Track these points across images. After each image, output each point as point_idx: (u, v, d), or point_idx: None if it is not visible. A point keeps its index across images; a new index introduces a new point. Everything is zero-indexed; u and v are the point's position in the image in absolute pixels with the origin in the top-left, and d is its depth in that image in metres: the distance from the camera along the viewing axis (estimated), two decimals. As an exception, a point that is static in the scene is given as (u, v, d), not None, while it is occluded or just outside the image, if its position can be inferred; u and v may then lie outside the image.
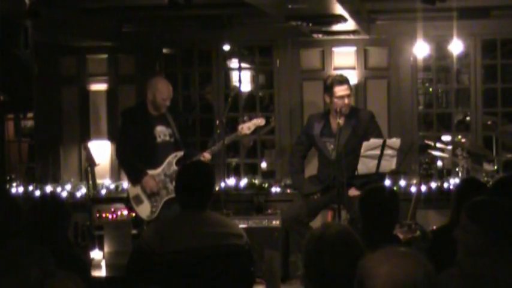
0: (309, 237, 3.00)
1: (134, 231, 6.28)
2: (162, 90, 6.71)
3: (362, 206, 4.29)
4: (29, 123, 8.84)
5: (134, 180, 6.71)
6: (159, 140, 6.76)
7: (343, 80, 6.77)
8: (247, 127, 6.86)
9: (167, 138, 6.78)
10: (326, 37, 7.58)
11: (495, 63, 7.99)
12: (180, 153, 6.74)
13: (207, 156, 6.77)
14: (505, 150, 8.18)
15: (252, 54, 8.62)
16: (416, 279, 2.07)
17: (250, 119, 7.21)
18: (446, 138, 8.04)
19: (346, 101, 6.67)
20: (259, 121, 6.98)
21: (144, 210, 6.67)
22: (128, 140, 6.75)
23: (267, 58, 8.44)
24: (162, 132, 6.78)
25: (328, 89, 6.75)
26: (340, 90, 6.68)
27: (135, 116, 6.81)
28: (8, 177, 8.30)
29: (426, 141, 7.55)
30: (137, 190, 6.69)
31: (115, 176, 8.21)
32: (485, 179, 7.43)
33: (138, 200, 6.68)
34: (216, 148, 6.82)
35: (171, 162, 6.71)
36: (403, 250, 2.16)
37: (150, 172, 6.67)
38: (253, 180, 8.08)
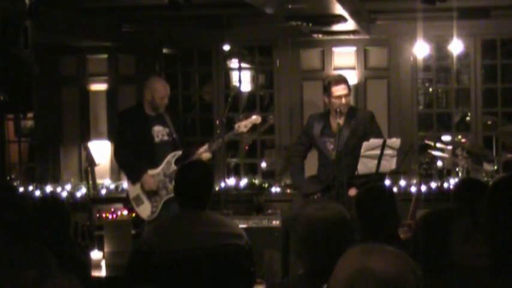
0: (306, 218, 3.06)
1: (134, 231, 6.28)
2: (159, 89, 6.72)
3: (357, 206, 4.32)
4: (29, 123, 8.85)
5: (134, 179, 6.72)
6: (157, 139, 6.76)
7: (340, 80, 6.76)
8: (243, 125, 6.86)
9: (165, 137, 6.79)
10: (326, 37, 7.58)
11: (495, 63, 8.00)
12: (179, 153, 6.74)
13: (207, 155, 6.75)
14: (505, 150, 8.18)
15: (252, 54, 8.63)
16: (406, 279, 2.05)
17: (246, 117, 7.21)
18: (446, 138, 8.05)
19: (343, 100, 6.66)
20: (255, 119, 6.98)
21: (145, 210, 6.68)
22: (126, 140, 6.75)
23: (267, 58, 8.45)
24: (159, 132, 6.79)
25: (326, 89, 6.75)
26: (337, 90, 6.67)
27: (133, 117, 6.82)
28: (8, 177, 8.31)
29: (426, 141, 7.56)
30: (137, 190, 6.69)
31: (115, 176, 8.22)
32: (485, 179, 7.43)
33: (139, 201, 6.69)
34: (214, 146, 6.81)
35: (170, 162, 6.71)
36: (393, 250, 2.14)
37: (150, 172, 6.67)
38: (253, 180, 8.08)
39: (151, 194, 6.67)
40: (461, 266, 2.73)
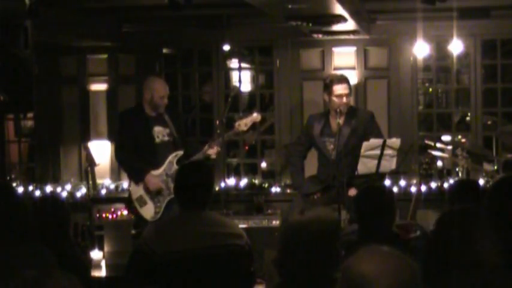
0: (286, 224, 3.04)
1: (134, 231, 6.29)
2: (158, 89, 6.72)
3: (357, 206, 4.34)
4: (29, 123, 8.84)
5: (137, 179, 6.71)
6: (157, 140, 6.76)
7: (342, 79, 6.77)
8: (244, 123, 6.86)
9: (166, 138, 6.78)
10: (326, 37, 7.58)
11: (495, 63, 7.99)
12: (180, 153, 6.74)
13: (214, 150, 6.73)
14: (505, 150, 8.18)
15: (252, 54, 8.63)
16: (404, 278, 2.07)
17: (246, 115, 7.21)
18: (446, 138, 8.04)
19: (344, 100, 6.67)
20: (256, 117, 6.99)
21: (148, 211, 6.65)
22: (127, 141, 6.75)
23: (267, 58, 8.45)
24: (160, 132, 6.78)
25: (327, 87, 6.76)
26: (339, 89, 6.68)
27: (133, 118, 6.81)
28: (8, 177, 8.31)
29: (426, 141, 7.55)
30: (140, 191, 6.67)
31: (115, 176, 8.21)
32: (485, 179, 7.44)
33: (142, 201, 6.67)
34: (220, 141, 6.81)
35: (171, 162, 6.71)
36: (387, 249, 2.16)
37: (152, 172, 6.67)
38: (253, 180, 8.08)
39: (155, 195, 6.66)
40: (484, 264, 2.75)
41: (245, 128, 6.90)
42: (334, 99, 6.68)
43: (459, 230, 2.82)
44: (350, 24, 6.80)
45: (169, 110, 6.90)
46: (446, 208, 4.66)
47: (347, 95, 6.71)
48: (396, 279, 2.05)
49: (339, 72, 7.32)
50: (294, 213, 3.14)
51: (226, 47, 8.30)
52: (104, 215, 7.26)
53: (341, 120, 6.61)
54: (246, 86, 10.19)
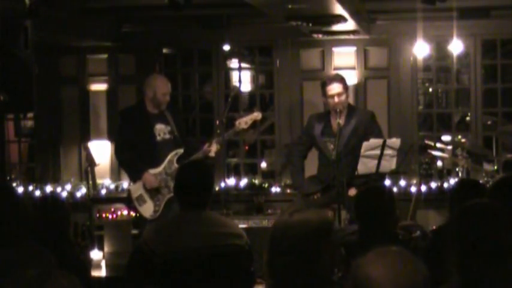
0: (274, 225, 3.04)
1: (134, 231, 6.29)
2: (161, 86, 6.74)
3: (357, 206, 4.34)
4: (29, 123, 8.85)
5: (135, 177, 6.72)
6: (158, 138, 6.77)
7: (334, 79, 6.76)
8: (244, 122, 6.87)
9: (167, 136, 6.80)
10: (326, 37, 7.58)
11: (495, 63, 8.00)
12: (180, 151, 6.74)
13: (215, 147, 6.73)
14: (505, 150, 8.19)
15: (252, 54, 8.63)
16: (414, 281, 2.07)
17: (247, 114, 7.22)
18: (446, 138, 8.05)
19: (336, 99, 6.65)
20: (256, 115, 6.99)
21: (147, 209, 6.66)
22: (127, 139, 6.76)
23: (267, 58, 8.46)
24: (161, 130, 6.79)
25: (322, 89, 6.77)
26: (331, 89, 6.68)
27: (134, 116, 6.83)
28: (8, 177, 8.30)
29: (426, 141, 7.56)
30: (140, 190, 6.68)
31: (115, 176, 8.21)
32: (485, 179, 7.44)
33: (141, 200, 6.68)
34: (220, 139, 6.81)
35: (171, 161, 6.71)
36: (398, 250, 2.16)
37: (151, 171, 6.67)
38: (253, 180, 8.08)
39: (154, 193, 6.66)
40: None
41: (245, 126, 6.91)
42: (329, 100, 6.69)
43: (486, 221, 2.85)
44: (350, 24, 6.81)
45: (170, 107, 6.91)
46: (448, 208, 4.67)
47: (340, 94, 6.67)
48: (403, 283, 2.05)
49: (333, 73, 7.32)
50: (284, 213, 3.11)
51: (226, 47, 8.30)
52: (104, 215, 7.26)
53: (341, 120, 6.61)
54: (246, 86, 10.21)
